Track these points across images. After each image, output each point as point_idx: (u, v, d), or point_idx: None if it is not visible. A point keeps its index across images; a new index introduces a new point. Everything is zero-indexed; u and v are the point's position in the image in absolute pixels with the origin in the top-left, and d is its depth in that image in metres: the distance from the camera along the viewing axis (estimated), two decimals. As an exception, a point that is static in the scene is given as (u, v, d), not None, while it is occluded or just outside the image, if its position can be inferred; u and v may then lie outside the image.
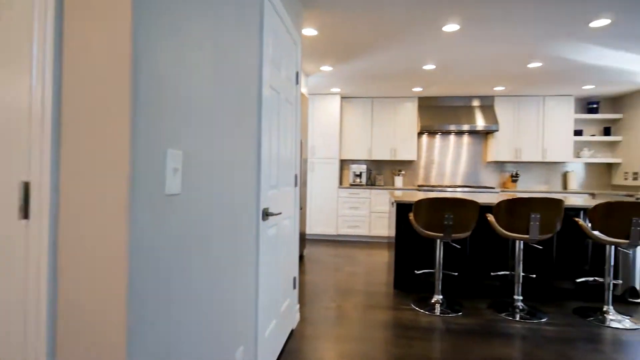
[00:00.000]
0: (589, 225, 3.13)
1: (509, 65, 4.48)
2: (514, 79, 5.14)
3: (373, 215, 6.23)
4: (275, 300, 2.26)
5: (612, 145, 6.33)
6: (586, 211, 3.55)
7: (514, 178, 6.24)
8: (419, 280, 3.76)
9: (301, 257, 4.99)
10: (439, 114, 6.26)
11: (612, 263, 3.13)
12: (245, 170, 1.72)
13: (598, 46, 3.75)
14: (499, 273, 3.65)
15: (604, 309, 3.15)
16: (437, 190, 5.92)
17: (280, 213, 2.07)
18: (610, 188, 6.35)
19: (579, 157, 6.29)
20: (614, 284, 3.40)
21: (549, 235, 3.02)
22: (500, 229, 3.09)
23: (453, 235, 3.07)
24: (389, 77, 5.14)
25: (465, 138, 6.60)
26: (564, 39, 3.55)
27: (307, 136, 5.02)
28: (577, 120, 6.35)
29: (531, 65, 4.45)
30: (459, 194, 5.80)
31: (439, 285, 3.31)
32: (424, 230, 3.13)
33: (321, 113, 6.33)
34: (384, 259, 5.08)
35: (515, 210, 3.00)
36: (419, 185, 6.33)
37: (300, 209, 4.45)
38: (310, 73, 5.03)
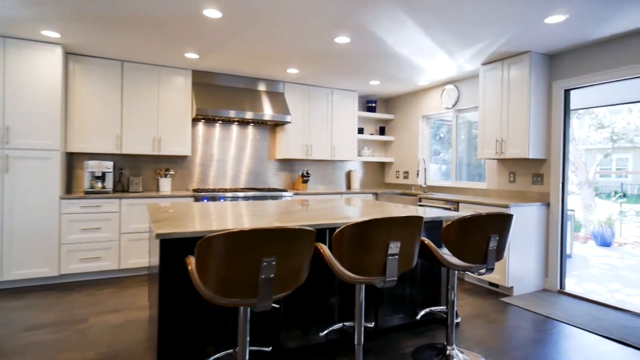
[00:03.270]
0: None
1: (315, 35, 3.45)
2: (313, 58, 4.21)
3: (125, 237, 4.13)
4: None
5: (386, 144, 6.50)
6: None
7: (305, 178, 5.47)
8: (206, 363, 2.17)
9: (-39, 346, 2.48)
10: (220, 96, 4.76)
11: (454, 293, 2.48)
12: None
13: (417, 25, 3.13)
14: (333, 328, 2.49)
15: (447, 352, 2.46)
16: (220, 197, 4.43)
17: None
18: (384, 186, 6.51)
19: (360, 155, 6.13)
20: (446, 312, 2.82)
21: (401, 272, 2.04)
22: (344, 270, 1.89)
23: (276, 295, 1.65)
24: (149, 22, 3.25)
25: (251, 130, 5.37)
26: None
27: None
28: (359, 119, 6.18)
29: (338, 40, 3.57)
30: (241, 200, 4.50)
31: (245, 382, 1.83)
32: (220, 298, 1.56)
33: (24, 73, 3.71)
34: (143, 312, 3.18)
35: (369, 238, 1.85)
36: (194, 190, 4.66)
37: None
38: (-20, -19, 2.56)
